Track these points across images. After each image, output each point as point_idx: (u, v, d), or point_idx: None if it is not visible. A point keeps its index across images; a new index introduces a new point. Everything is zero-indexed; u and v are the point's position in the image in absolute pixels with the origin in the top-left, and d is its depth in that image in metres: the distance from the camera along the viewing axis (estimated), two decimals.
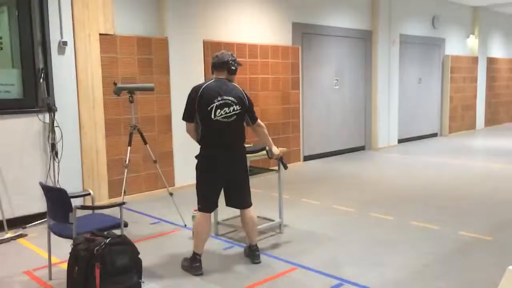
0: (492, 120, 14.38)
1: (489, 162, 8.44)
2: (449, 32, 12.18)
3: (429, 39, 11.48)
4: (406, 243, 4.31)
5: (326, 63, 9.03)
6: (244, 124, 3.83)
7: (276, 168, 4.53)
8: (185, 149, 6.28)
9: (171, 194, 5.09)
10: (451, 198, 5.96)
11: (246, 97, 3.78)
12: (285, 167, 4.10)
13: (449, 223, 4.87)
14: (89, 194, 3.79)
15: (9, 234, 4.65)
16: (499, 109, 14.81)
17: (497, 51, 14.33)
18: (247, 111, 3.78)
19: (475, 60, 13.14)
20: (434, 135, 12.18)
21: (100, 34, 5.66)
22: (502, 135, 12.50)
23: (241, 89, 3.78)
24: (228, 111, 3.65)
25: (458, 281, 3.49)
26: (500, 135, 12.41)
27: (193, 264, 3.69)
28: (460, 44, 12.70)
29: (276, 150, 4.01)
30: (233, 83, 3.78)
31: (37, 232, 4.77)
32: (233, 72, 3.79)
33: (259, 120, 3.91)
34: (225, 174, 3.75)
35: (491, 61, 13.93)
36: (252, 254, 3.91)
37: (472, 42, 13.13)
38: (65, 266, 3.16)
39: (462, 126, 12.92)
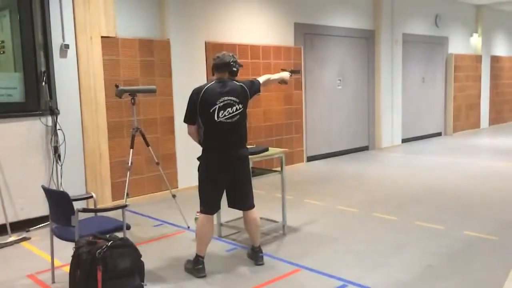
0: (496, 118, 14.31)
1: (494, 161, 8.40)
2: (452, 30, 12.13)
3: (432, 38, 11.44)
4: (410, 243, 4.29)
5: (329, 63, 9.00)
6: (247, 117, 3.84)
7: (279, 169, 4.52)
8: (187, 151, 6.27)
9: (174, 196, 5.09)
10: (455, 197, 5.92)
11: (246, 89, 3.75)
12: (299, 72, 4.43)
13: (454, 223, 4.84)
14: (91, 196, 3.79)
15: (12, 238, 4.65)
16: (504, 107, 14.74)
17: (501, 49, 14.26)
18: (252, 94, 3.82)
19: (478, 58, 13.08)
20: (438, 134, 12.13)
21: (102, 37, 5.66)
22: (507, 133, 12.44)
23: (239, 84, 3.74)
24: (231, 111, 3.64)
25: (463, 282, 3.47)
26: (504, 134, 12.34)
27: (196, 266, 3.68)
28: (463, 43, 12.65)
29: (285, 74, 4.24)
30: (233, 82, 3.74)
31: (41, 235, 4.77)
32: (235, 74, 3.76)
33: (261, 81, 3.97)
34: (227, 175, 3.73)
35: (494, 59, 13.86)
36: (255, 255, 3.89)
37: (476, 41, 13.08)
38: (68, 269, 3.15)
39: (466, 125, 12.86)
